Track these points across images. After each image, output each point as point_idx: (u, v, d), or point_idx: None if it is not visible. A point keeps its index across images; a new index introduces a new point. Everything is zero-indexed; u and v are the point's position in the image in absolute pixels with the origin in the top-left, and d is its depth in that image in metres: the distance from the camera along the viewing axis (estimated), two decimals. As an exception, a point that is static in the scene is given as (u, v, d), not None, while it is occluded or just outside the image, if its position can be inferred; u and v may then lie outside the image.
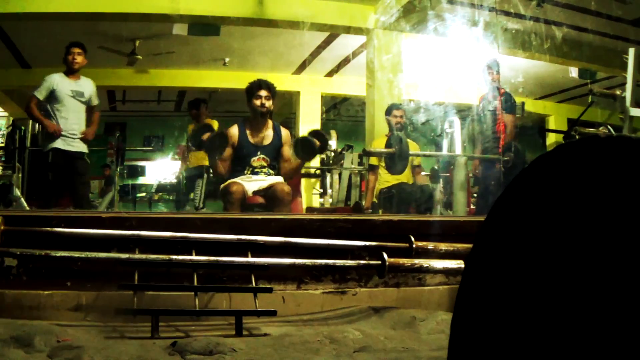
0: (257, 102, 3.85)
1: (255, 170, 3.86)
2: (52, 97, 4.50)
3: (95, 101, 4.75)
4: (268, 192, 3.74)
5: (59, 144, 4.49)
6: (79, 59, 4.56)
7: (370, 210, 5.33)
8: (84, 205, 4.62)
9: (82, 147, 4.64)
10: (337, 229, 2.73)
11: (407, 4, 6.02)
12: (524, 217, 0.84)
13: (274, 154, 3.94)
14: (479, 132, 5.22)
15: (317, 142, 3.84)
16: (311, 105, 9.87)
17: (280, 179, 3.91)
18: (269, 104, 3.87)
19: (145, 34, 7.52)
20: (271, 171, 3.90)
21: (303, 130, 9.66)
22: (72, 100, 4.55)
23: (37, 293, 2.37)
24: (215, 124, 5.13)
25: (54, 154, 4.50)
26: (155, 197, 10.78)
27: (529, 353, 0.79)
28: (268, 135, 3.92)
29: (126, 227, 2.46)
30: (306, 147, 3.82)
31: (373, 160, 5.40)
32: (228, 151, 3.87)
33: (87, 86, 4.66)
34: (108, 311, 2.34)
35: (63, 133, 4.49)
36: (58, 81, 4.52)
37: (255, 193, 3.80)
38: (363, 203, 5.92)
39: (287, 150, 4.02)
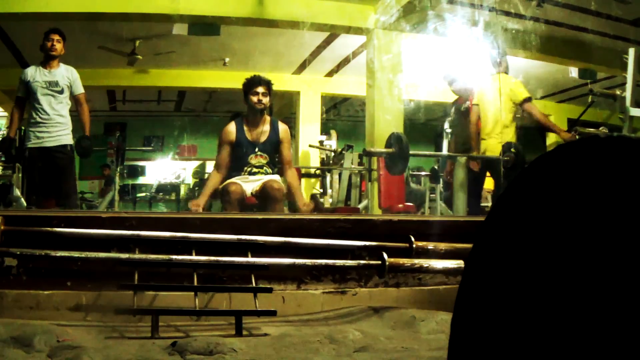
0: (254, 99, 3.85)
1: (254, 171, 3.86)
2: (29, 91, 4.27)
3: (77, 90, 4.39)
4: (260, 190, 3.75)
5: (33, 142, 4.27)
6: (58, 46, 4.25)
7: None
8: (70, 205, 4.31)
9: (64, 140, 4.32)
10: (337, 229, 2.73)
11: (407, 4, 6.02)
12: (524, 217, 0.84)
13: (272, 150, 3.95)
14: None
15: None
16: (311, 105, 9.88)
17: (275, 176, 3.91)
18: (265, 100, 3.87)
19: (145, 34, 7.52)
20: (269, 170, 3.90)
21: (303, 131, 9.70)
22: (45, 91, 4.24)
23: (37, 293, 2.37)
24: None
25: (30, 153, 4.29)
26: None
27: (529, 353, 0.79)
28: (265, 131, 3.92)
29: (126, 227, 2.47)
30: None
31: None
32: (226, 150, 3.88)
33: (62, 74, 4.31)
34: (108, 311, 2.35)
35: (38, 129, 4.26)
36: (31, 73, 4.27)
37: (252, 194, 3.81)
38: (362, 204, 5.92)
39: (286, 150, 4.01)
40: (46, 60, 4.31)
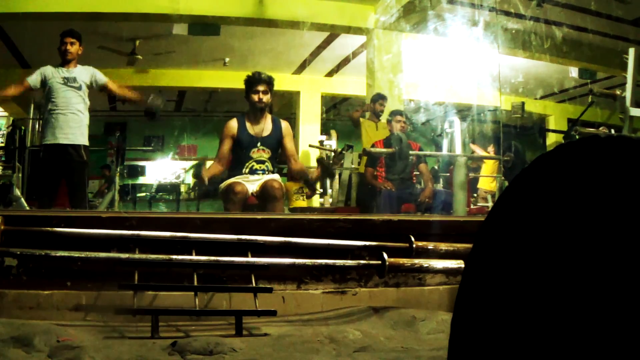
0: (255, 98, 3.87)
1: (255, 167, 3.86)
2: (46, 88, 4.23)
3: (101, 80, 4.40)
4: (260, 190, 3.75)
5: (49, 139, 4.22)
6: (72, 49, 4.24)
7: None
8: (79, 207, 4.23)
9: (80, 139, 4.28)
10: (337, 229, 2.73)
11: (407, 4, 6.02)
12: (524, 217, 0.84)
13: (274, 145, 3.95)
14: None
15: None
16: (311, 105, 9.88)
17: (275, 175, 3.92)
18: (266, 98, 3.89)
19: (145, 34, 7.52)
20: (270, 166, 3.90)
21: (303, 130, 9.69)
22: (63, 87, 4.22)
23: (37, 293, 2.37)
24: None
25: (45, 151, 4.25)
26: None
27: (529, 353, 0.79)
28: (267, 127, 3.94)
29: (126, 227, 2.46)
30: None
31: None
32: (228, 143, 3.88)
33: (80, 72, 4.31)
34: (108, 311, 2.35)
35: (54, 126, 4.21)
36: (49, 71, 4.25)
37: (252, 194, 3.81)
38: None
39: (290, 143, 4.02)
40: (63, 62, 4.30)
